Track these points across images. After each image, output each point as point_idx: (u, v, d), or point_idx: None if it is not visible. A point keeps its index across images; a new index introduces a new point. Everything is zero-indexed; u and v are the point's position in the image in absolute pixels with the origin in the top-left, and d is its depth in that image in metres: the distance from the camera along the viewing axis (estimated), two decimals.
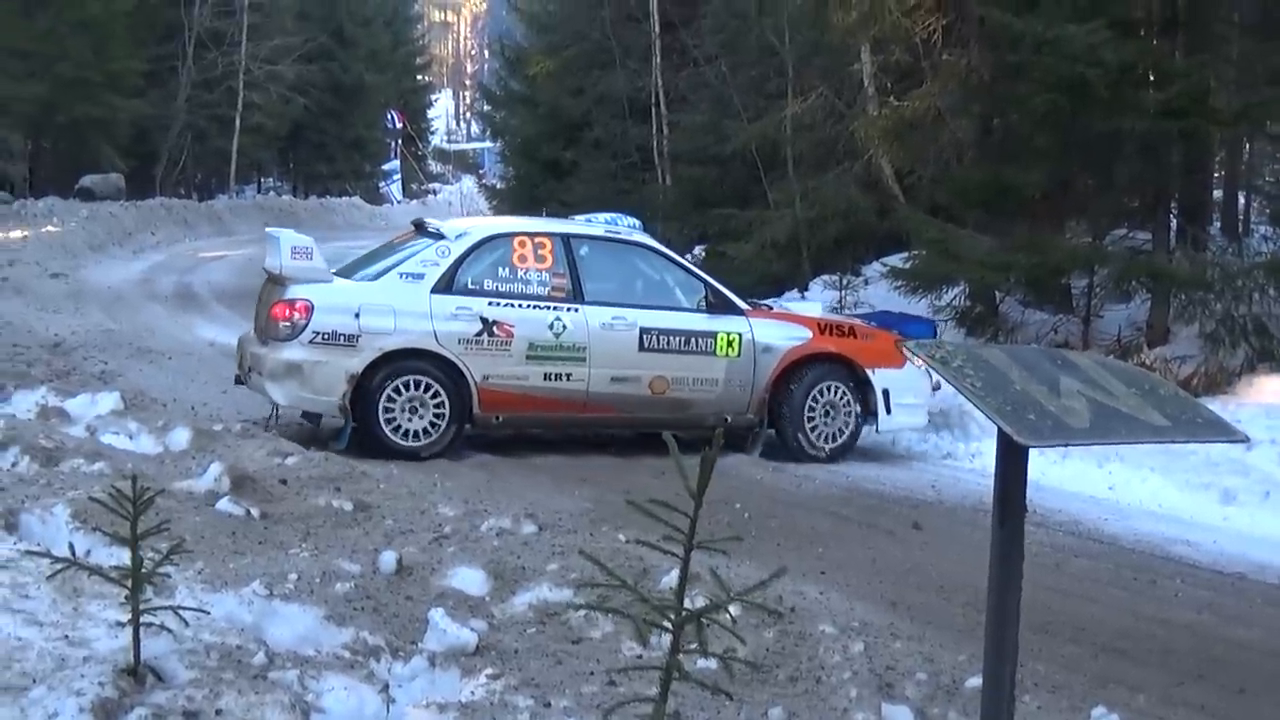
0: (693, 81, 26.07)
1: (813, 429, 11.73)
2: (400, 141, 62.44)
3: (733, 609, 3.91)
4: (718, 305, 11.74)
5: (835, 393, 11.78)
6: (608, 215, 12.68)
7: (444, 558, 6.82)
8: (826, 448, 11.77)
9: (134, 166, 40.80)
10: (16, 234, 27.75)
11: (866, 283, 18.73)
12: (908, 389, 11.88)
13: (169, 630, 4.74)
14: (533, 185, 33.20)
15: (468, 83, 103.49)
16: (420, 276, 11.19)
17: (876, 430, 12.00)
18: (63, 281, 22.92)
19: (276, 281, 11.31)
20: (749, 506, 9.73)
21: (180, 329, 18.53)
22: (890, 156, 18.47)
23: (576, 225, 12.35)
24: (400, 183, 62.22)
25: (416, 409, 10.96)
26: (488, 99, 42.98)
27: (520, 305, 11.25)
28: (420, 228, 12.12)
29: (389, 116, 60.27)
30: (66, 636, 4.91)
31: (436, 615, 5.71)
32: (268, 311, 11.28)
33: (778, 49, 21.51)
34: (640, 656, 5.28)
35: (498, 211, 34.55)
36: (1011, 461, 3.86)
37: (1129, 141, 14.36)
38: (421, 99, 71.69)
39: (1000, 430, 3.68)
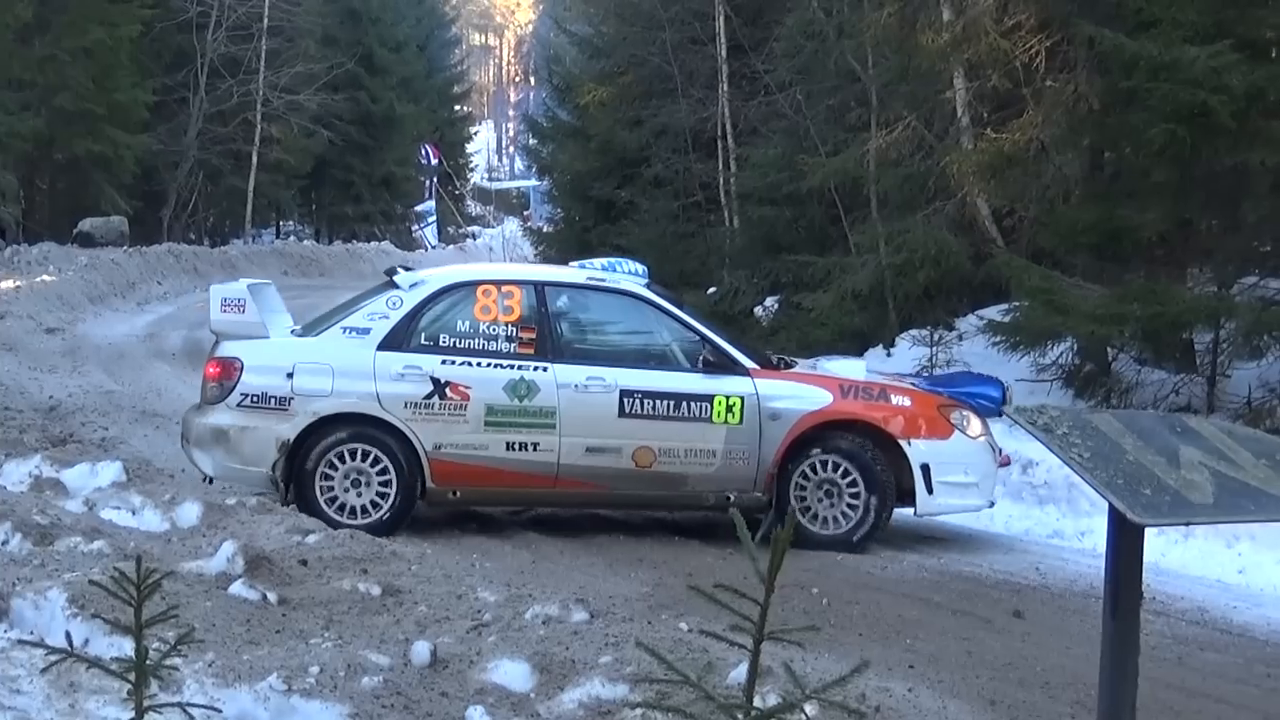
0: (764, 111, 26.12)
1: (805, 510, 11.08)
2: (436, 179, 62.90)
3: (809, 708, 3.91)
4: (717, 363, 11.19)
5: (834, 469, 11.09)
6: (605, 260, 12.16)
7: (483, 649, 6.84)
8: (829, 533, 11.07)
9: (139, 209, 41.20)
10: (8, 284, 28.02)
11: (961, 338, 18.67)
12: (957, 463, 11.15)
13: None
14: (583, 228, 33.39)
15: (511, 113, 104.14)
16: (366, 331, 11.08)
17: (915, 513, 11.37)
18: (59, 337, 23.17)
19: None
20: (827, 591, 9.70)
21: (190, 390, 18.58)
22: (987, 195, 18.46)
23: (555, 272, 12.17)
24: (436, 225, 62.61)
25: (359, 482, 10.87)
26: (533, 131, 43.26)
27: (479, 364, 11.00)
28: (390, 277, 11.91)
29: (423, 151, 60.69)
30: None
31: (475, 714, 5.73)
32: (203, 372, 11.44)
33: (859, 75, 21.60)
34: None
35: (545, 258, 34.67)
36: (1125, 542, 3.86)
37: (1259, 177, 14.30)
38: (459, 132, 72.33)
39: (1111, 507, 3.68)
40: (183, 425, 11.57)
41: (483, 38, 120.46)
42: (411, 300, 11.22)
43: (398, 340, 11.05)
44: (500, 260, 33.64)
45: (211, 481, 11.26)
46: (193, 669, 5.85)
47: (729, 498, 11.09)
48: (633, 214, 29.93)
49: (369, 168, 55.77)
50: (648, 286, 11.80)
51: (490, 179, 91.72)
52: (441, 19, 73.22)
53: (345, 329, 11.20)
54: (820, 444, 11.13)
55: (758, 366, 11.34)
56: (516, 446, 10.95)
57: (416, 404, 10.90)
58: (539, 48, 69.59)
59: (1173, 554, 11.16)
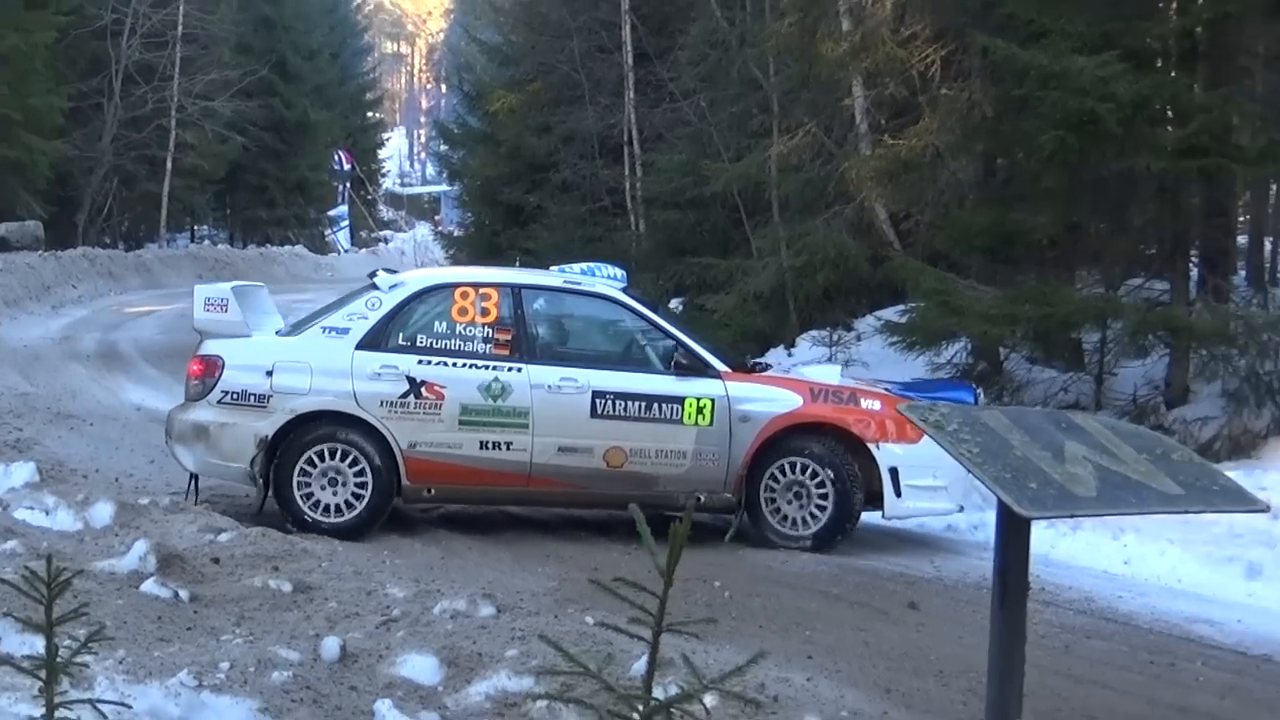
0: (669, 118, 26.16)
1: (775, 511, 11.09)
2: (349, 185, 62.59)
3: (709, 698, 3.90)
4: (689, 366, 11.11)
5: (803, 470, 11.03)
6: (585, 265, 12.15)
7: (392, 644, 6.82)
8: (797, 534, 11.06)
9: (54, 213, 40.62)
10: None
11: (859, 338, 18.79)
12: (926, 467, 10.80)
13: None
14: (493, 232, 33.29)
15: (423, 120, 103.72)
16: (345, 331, 11.05)
17: (884, 516, 11.26)
18: None
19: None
20: (729, 585, 9.72)
21: (104, 392, 18.50)
22: (884, 199, 18.56)
23: (532, 275, 12.08)
24: (349, 230, 62.33)
25: (336, 480, 10.83)
26: (444, 137, 43.02)
27: (455, 364, 10.96)
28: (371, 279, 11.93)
29: (336, 157, 60.37)
30: None
31: (384, 707, 5.70)
32: (186, 370, 11.41)
33: (761, 83, 21.66)
34: None
35: (455, 261, 34.54)
36: (1013, 534, 3.89)
37: (1145, 182, 14.47)
38: (372, 138, 71.90)
39: (1000, 500, 3.71)
40: (167, 422, 11.48)
41: (395, 46, 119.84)
42: (390, 301, 11.19)
43: (376, 340, 11.02)
44: (412, 263, 33.36)
45: (197, 479, 11.22)
46: (104, 666, 5.78)
47: (699, 498, 10.97)
48: (541, 218, 29.91)
49: (283, 173, 55.35)
50: (624, 290, 11.76)
51: (402, 184, 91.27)
52: (354, 27, 72.92)
53: (325, 329, 11.16)
54: (790, 446, 11.07)
55: (729, 369, 11.27)
56: (490, 445, 10.90)
57: (392, 403, 10.87)
58: (450, 55, 69.30)
59: (1061, 545, 11.28)
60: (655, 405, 11.00)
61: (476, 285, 11.41)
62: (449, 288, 11.39)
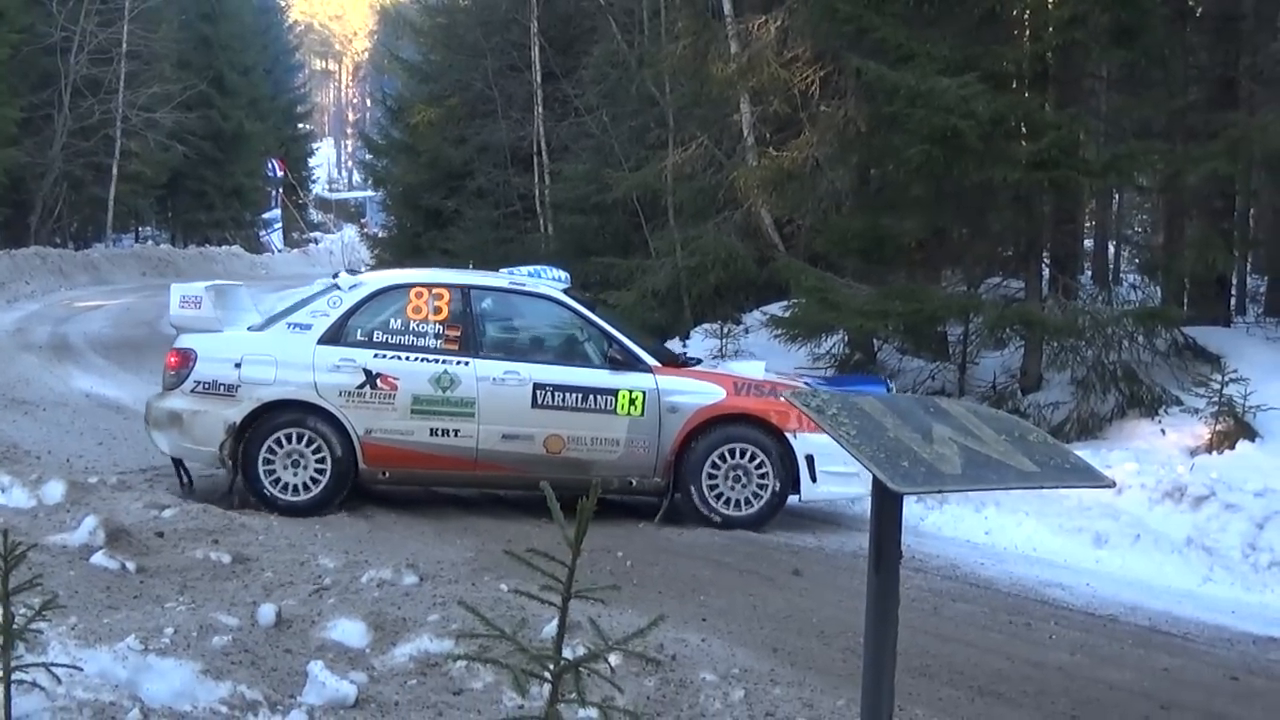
0: (574, 131, 26.16)
1: (714, 493, 11.03)
2: (281, 190, 62.05)
3: (613, 658, 3.91)
4: (622, 361, 11.09)
5: (744, 456, 11.04)
6: (531, 268, 12.13)
7: (324, 610, 6.78)
8: (728, 514, 11.01)
9: (8, 215, 40.17)
10: None
11: (747, 331, 18.83)
12: (839, 454, 10.41)
13: (41, 688, 4.66)
14: (414, 234, 33.14)
15: (349, 131, 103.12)
16: (308, 327, 11.02)
17: (800, 499, 11.20)
18: None
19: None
20: (631, 555, 9.73)
21: (55, 380, 18.22)
22: (769, 206, 18.61)
23: (481, 276, 12.00)
24: (281, 231, 61.81)
25: (298, 462, 10.79)
26: (369, 147, 42.80)
27: (407, 358, 10.96)
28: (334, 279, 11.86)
29: (269, 165, 59.84)
30: None
31: (316, 668, 5.67)
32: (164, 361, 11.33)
33: (658, 100, 21.69)
34: (522, 707, 5.27)
35: (380, 260, 34.31)
36: (886, 508, 3.91)
37: (1002, 192, 14.58)
38: (303, 147, 71.38)
39: (875, 477, 3.73)
40: (145, 409, 11.38)
41: (323, 63, 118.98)
42: (350, 300, 11.16)
43: (336, 335, 11.00)
44: (340, 262, 33.07)
45: (183, 463, 11.18)
46: (56, 632, 5.71)
47: (631, 482, 11.09)
48: (458, 222, 29.82)
49: (220, 179, 54.86)
50: (565, 291, 11.71)
51: (330, 190, 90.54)
52: (285, 46, 72.37)
53: (290, 325, 11.12)
54: (717, 434, 11.05)
55: (660, 364, 11.26)
56: (439, 433, 10.90)
57: (350, 393, 10.84)
58: (374, 72, 68.97)
59: (930, 518, 11.40)
60: (591, 397, 11.01)
61: (430, 285, 11.37)
62: (405, 288, 11.35)
